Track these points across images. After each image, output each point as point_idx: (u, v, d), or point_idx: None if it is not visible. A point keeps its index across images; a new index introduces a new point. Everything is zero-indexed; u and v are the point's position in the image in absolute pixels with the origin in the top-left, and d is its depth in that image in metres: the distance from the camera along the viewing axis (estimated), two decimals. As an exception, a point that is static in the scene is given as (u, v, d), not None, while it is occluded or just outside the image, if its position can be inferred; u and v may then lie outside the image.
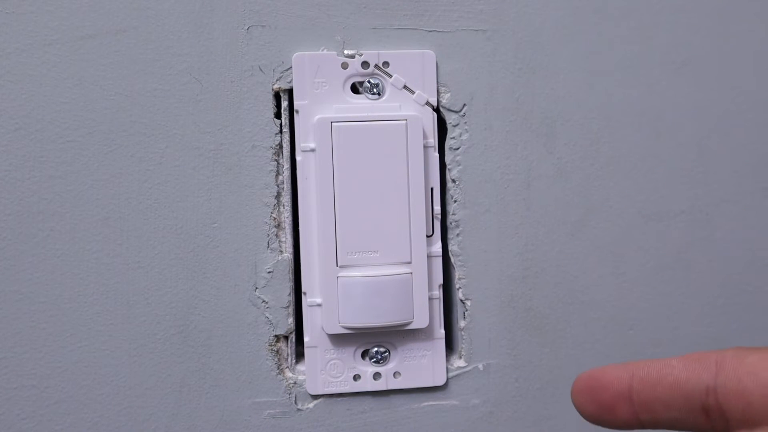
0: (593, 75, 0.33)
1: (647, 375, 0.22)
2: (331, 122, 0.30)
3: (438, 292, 0.32)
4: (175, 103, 0.31)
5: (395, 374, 0.32)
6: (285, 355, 0.32)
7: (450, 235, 0.33)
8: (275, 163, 0.31)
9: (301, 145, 0.31)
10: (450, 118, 0.33)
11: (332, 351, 0.32)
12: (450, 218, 0.33)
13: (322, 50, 0.31)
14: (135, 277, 0.31)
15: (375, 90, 0.32)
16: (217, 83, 0.31)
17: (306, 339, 0.32)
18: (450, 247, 0.33)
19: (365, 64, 0.32)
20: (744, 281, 0.35)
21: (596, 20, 0.33)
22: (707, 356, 0.21)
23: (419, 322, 0.31)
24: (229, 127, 0.31)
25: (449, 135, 0.33)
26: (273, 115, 0.31)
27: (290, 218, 0.32)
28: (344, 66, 0.31)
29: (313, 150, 0.31)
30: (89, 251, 0.30)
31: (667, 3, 0.34)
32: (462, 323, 0.33)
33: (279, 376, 0.32)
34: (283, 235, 0.32)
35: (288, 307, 0.32)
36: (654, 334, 0.34)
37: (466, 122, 0.33)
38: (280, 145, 0.32)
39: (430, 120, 0.32)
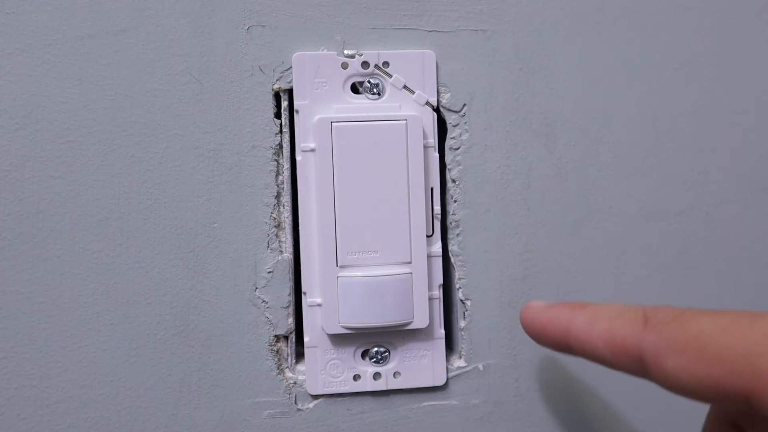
0: (593, 75, 0.33)
1: (580, 346, 0.24)
2: (331, 122, 0.30)
3: (438, 292, 0.32)
4: (175, 103, 0.31)
5: (395, 374, 0.32)
6: (285, 355, 0.32)
7: (450, 235, 0.33)
8: (275, 163, 0.31)
9: (301, 145, 0.31)
10: (450, 118, 0.33)
11: (332, 351, 0.32)
12: (450, 218, 0.33)
13: (322, 50, 0.31)
14: (135, 277, 0.31)
15: (375, 90, 0.32)
16: (217, 83, 0.31)
17: (306, 339, 0.32)
18: (450, 247, 0.33)
19: (365, 64, 0.32)
20: (744, 281, 0.35)
21: (596, 20, 0.33)
22: (630, 347, 0.22)
23: (419, 322, 0.31)
24: (229, 127, 0.31)
25: (449, 135, 0.33)
26: (273, 115, 0.31)
27: (290, 218, 0.32)
28: (344, 66, 0.31)
29: (313, 150, 0.31)
30: (89, 251, 0.30)
31: (667, 3, 0.34)
32: (462, 323, 0.33)
33: (279, 376, 0.32)
34: (283, 235, 0.32)
35: (288, 307, 0.32)
36: (654, 334, 0.34)
37: (466, 122, 0.33)
38: (280, 145, 0.32)
39: (430, 120, 0.32)
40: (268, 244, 0.32)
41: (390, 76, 0.32)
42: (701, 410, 0.35)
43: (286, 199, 0.32)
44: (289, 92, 0.32)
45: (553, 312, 0.25)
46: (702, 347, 0.19)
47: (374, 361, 0.32)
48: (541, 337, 0.26)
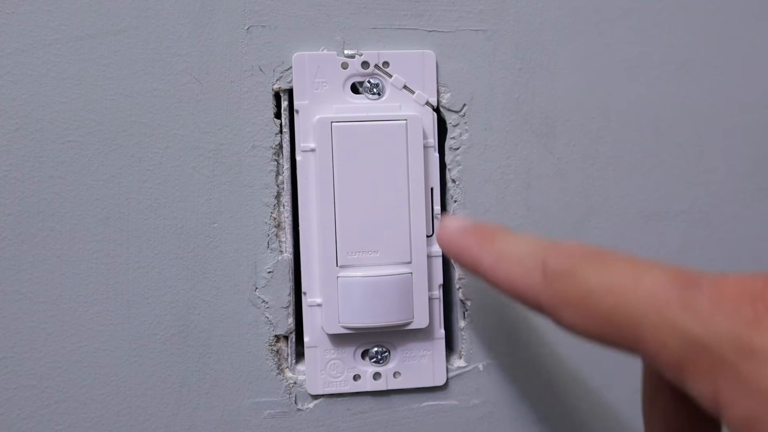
0: (593, 75, 0.33)
1: (489, 282, 0.24)
2: (331, 122, 0.30)
3: (438, 292, 0.32)
4: (175, 103, 0.31)
5: (395, 374, 0.32)
6: (285, 355, 0.32)
7: (450, 235, 0.33)
8: (275, 163, 0.31)
9: (301, 145, 0.31)
10: (450, 118, 0.33)
11: (332, 351, 0.32)
12: (450, 218, 0.33)
13: (322, 50, 0.31)
14: (135, 277, 0.31)
15: (375, 90, 0.32)
16: (217, 83, 0.31)
17: (306, 339, 0.32)
18: (450, 247, 0.33)
19: (365, 64, 0.32)
20: (744, 281, 0.35)
21: (596, 20, 0.33)
22: (530, 298, 0.22)
23: (419, 322, 0.31)
24: (229, 127, 0.31)
25: (449, 135, 0.33)
26: (273, 115, 0.31)
27: (290, 218, 0.32)
28: (344, 66, 0.31)
29: (313, 150, 0.31)
30: (89, 251, 0.30)
31: (667, 3, 0.34)
32: (462, 323, 0.33)
33: (279, 376, 0.32)
34: (283, 235, 0.32)
35: (288, 307, 0.32)
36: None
37: (466, 122, 0.33)
38: (280, 145, 0.32)
39: (430, 120, 0.32)
40: (268, 244, 0.32)
41: (390, 76, 0.32)
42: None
43: (286, 199, 0.32)
44: (289, 92, 0.32)
45: (465, 242, 0.25)
46: (592, 306, 0.20)
47: (374, 361, 0.32)
48: (455, 261, 0.27)
